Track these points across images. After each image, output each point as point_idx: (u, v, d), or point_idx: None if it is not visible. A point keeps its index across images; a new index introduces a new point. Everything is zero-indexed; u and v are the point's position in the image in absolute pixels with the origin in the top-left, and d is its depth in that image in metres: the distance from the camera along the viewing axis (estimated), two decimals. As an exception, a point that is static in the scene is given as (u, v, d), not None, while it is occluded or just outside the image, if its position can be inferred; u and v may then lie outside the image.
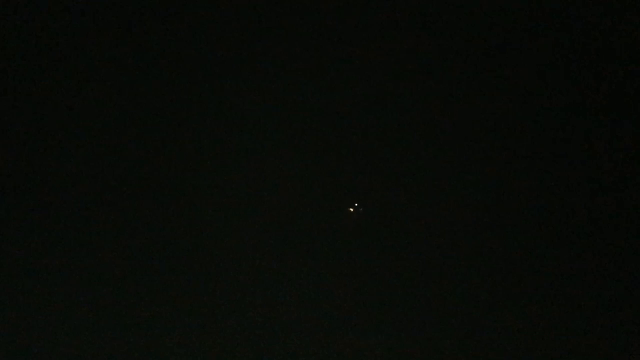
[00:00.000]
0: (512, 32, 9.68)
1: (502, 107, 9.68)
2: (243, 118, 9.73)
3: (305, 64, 9.72)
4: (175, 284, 8.93)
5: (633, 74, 9.54)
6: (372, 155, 9.70)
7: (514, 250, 9.40)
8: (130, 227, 9.45)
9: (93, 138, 9.56)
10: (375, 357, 8.03)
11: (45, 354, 7.97)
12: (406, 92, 9.74)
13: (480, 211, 9.57)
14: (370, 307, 8.77)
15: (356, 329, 8.48)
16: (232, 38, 9.69)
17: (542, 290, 8.99)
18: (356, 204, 9.42)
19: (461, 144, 9.69)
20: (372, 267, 9.26)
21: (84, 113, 9.63)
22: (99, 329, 8.41)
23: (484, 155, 9.67)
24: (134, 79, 9.63)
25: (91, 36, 9.61)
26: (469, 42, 9.67)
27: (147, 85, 9.65)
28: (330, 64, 9.73)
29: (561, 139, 9.67)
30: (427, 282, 9.09)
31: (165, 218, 9.51)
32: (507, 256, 9.35)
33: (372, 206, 9.51)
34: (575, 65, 9.65)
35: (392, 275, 9.16)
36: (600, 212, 9.52)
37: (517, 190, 9.62)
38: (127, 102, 9.63)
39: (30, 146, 9.53)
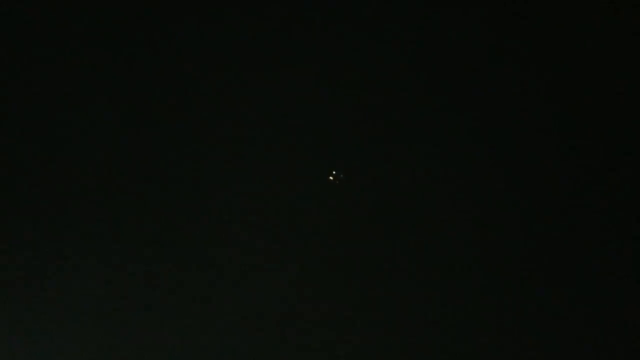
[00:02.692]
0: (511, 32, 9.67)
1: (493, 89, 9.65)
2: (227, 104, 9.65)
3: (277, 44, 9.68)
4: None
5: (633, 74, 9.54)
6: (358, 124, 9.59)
7: (504, 225, 9.32)
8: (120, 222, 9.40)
9: (89, 137, 9.54)
10: (366, 341, 8.07)
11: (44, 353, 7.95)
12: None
13: (470, 185, 9.47)
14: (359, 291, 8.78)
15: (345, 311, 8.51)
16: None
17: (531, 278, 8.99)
18: (334, 172, 9.25)
19: (449, 120, 9.61)
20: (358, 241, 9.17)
21: (80, 112, 9.60)
22: (96, 330, 8.40)
23: (471, 130, 9.59)
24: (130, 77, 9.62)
25: (87, 34, 9.61)
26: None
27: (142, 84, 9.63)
28: (304, 42, 9.68)
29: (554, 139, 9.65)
30: (417, 260, 9.04)
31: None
32: (497, 233, 9.28)
33: (355, 175, 9.37)
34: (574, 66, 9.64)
35: (379, 252, 9.10)
36: (600, 212, 9.51)
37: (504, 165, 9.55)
38: (124, 100, 9.62)
39: (28, 145, 9.50)
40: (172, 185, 9.30)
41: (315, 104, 9.46)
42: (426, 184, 9.26)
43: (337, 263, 9.00)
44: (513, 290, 8.93)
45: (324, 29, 9.56)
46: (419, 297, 8.84)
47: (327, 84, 9.52)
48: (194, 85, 9.46)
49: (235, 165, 9.41)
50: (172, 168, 9.35)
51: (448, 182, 9.31)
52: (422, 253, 9.09)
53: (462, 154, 9.39)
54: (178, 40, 9.57)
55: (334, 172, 9.26)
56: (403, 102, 9.46)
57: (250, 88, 9.53)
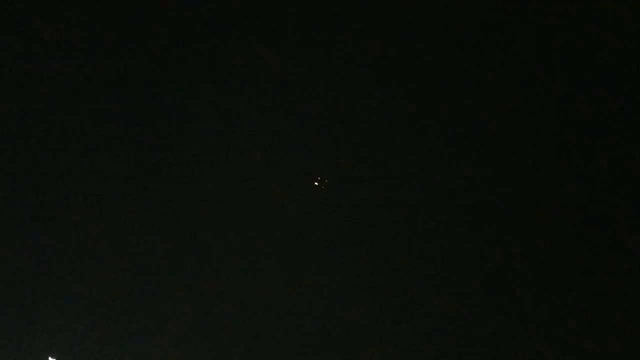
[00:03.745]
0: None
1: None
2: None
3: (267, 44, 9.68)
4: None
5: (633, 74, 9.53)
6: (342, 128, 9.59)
7: (488, 223, 9.31)
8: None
9: (90, 139, 9.55)
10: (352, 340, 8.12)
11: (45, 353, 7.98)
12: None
13: (455, 185, 9.45)
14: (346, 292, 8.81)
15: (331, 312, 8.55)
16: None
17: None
18: (319, 177, 9.23)
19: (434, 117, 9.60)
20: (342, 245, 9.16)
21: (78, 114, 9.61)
22: (98, 330, 8.43)
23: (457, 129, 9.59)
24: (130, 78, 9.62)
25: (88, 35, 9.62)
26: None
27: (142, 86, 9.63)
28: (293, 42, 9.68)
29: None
30: (403, 262, 9.04)
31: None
32: (482, 232, 9.27)
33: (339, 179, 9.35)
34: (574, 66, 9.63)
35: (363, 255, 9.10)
36: (599, 212, 9.51)
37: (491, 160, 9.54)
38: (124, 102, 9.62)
39: (29, 146, 9.51)
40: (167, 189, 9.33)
41: (305, 109, 9.47)
42: (414, 186, 9.28)
43: (322, 264, 9.02)
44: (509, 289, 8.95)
45: (315, 32, 9.57)
46: (415, 296, 8.85)
47: (318, 88, 9.53)
48: (189, 87, 9.48)
49: (227, 168, 9.44)
50: (171, 171, 9.38)
51: (437, 184, 9.33)
52: (410, 254, 9.10)
53: (456, 154, 9.41)
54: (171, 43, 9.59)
55: (319, 178, 9.24)
56: (390, 108, 9.47)
57: (242, 92, 9.55)
